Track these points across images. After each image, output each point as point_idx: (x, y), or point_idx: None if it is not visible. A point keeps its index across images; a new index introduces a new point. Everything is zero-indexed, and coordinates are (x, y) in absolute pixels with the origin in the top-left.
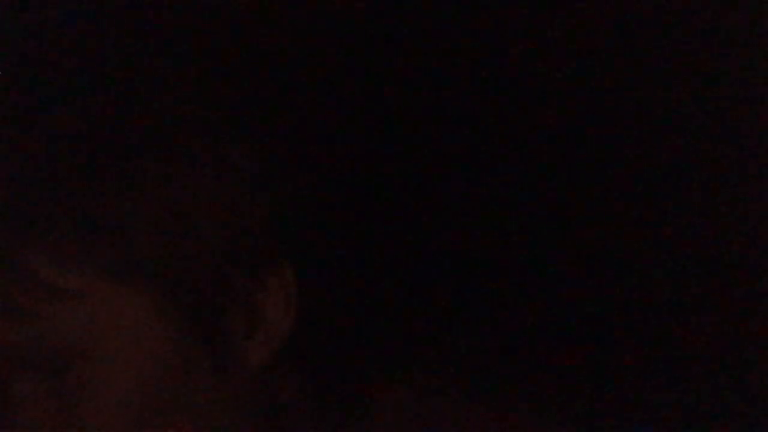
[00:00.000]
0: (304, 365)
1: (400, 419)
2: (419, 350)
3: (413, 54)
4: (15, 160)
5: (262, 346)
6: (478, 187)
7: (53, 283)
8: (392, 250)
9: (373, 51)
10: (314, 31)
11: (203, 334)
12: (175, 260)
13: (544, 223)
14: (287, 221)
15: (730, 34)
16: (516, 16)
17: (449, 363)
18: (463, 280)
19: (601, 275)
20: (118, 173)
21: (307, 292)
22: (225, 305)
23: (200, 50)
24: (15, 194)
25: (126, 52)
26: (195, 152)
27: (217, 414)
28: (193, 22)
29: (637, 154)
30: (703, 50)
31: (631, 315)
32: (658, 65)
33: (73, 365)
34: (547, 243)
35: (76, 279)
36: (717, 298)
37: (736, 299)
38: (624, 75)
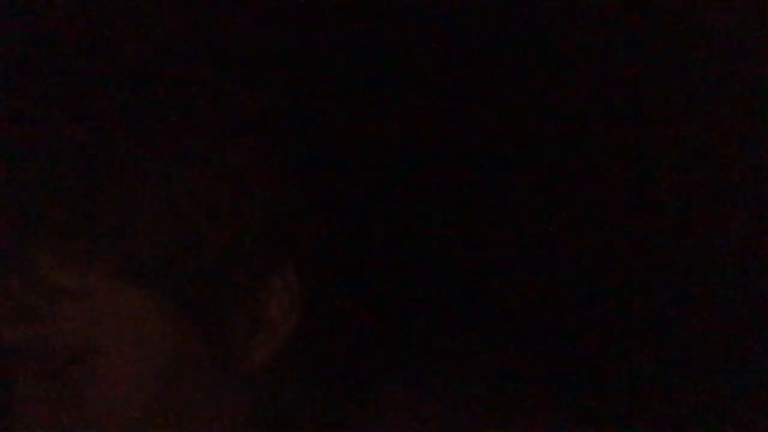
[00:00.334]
0: (307, 365)
1: (401, 419)
2: (421, 350)
3: (415, 56)
4: (20, 161)
5: (265, 346)
6: (480, 187)
7: (58, 283)
8: (394, 250)
9: (376, 53)
10: (317, 33)
11: (207, 333)
12: (178, 260)
13: (546, 223)
14: (290, 222)
15: (730, 34)
16: (517, 16)
17: (451, 363)
18: (465, 281)
19: (602, 275)
20: (123, 174)
21: (310, 292)
22: (228, 305)
23: (203, 51)
24: (21, 195)
25: (129, 54)
26: (198, 153)
27: (219, 413)
28: (194, 22)
29: (637, 155)
30: (703, 50)
31: (632, 315)
32: (659, 66)
33: (78, 364)
34: (548, 243)
35: (80, 279)
36: (717, 298)
37: (736, 299)
38: (624, 75)
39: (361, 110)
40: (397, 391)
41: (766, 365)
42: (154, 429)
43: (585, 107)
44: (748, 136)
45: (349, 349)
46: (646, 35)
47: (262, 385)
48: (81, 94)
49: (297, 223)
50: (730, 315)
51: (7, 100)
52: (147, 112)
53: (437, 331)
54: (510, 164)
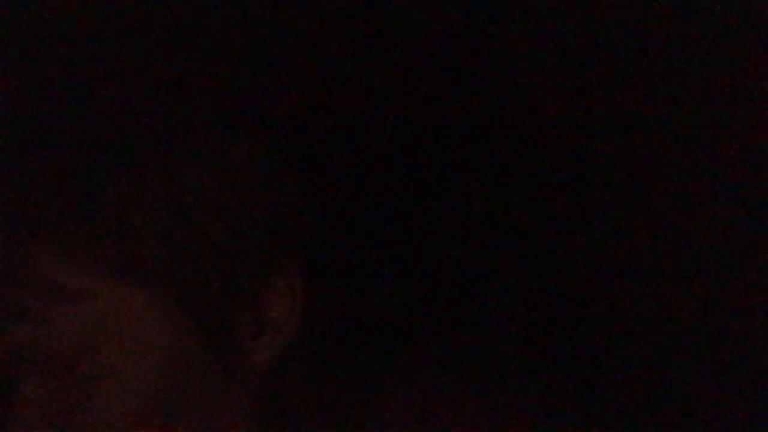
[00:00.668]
0: (310, 366)
1: (405, 419)
2: (424, 350)
3: (418, 56)
4: (23, 161)
5: (268, 347)
6: (482, 187)
7: (61, 284)
8: (397, 250)
9: (378, 53)
10: (319, 33)
11: (209, 334)
12: (181, 261)
13: (547, 223)
14: (293, 222)
15: (730, 34)
16: (517, 16)
17: (454, 363)
18: (467, 280)
19: (602, 274)
20: (125, 174)
21: (312, 292)
22: (231, 306)
23: (206, 51)
24: (23, 196)
25: (132, 54)
26: (201, 153)
27: (223, 414)
28: (197, 22)
29: (637, 155)
30: (703, 51)
31: (633, 315)
32: (659, 67)
33: (80, 365)
34: (549, 242)
35: (83, 279)
36: (718, 298)
37: (736, 299)
38: (624, 76)
39: (362, 110)
40: (399, 392)
41: (766, 365)
42: (155, 429)
43: (585, 107)
44: (749, 136)
45: (351, 350)
46: (646, 35)
47: (265, 385)
48: (82, 94)
49: (299, 224)
50: (730, 315)
51: (7, 100)
52: (147, 112)
53: (439, 331)
54: (511, 164)
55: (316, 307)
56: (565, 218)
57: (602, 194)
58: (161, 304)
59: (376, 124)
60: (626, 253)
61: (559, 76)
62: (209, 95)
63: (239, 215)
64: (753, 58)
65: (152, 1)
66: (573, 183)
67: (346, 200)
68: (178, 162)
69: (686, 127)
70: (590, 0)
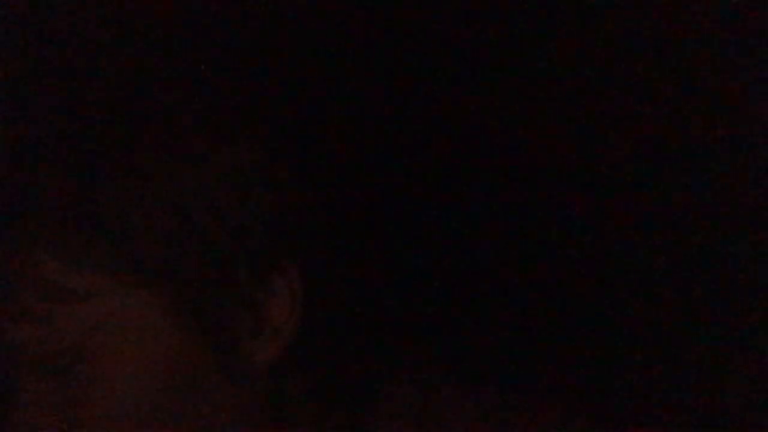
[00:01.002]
0: (309, 364)
1: (404, 418)
2: (424, 349)
3: (418, 55)
4: (22, 162)
5: (268, 346)
6: (483, 187)
7: (61, 284)
8: (396, 249)
9: (378, 52)
10: (318, 32)
11: (209, 333)
12: (181, 261)
13: (547, 222)
14: (292, 221)
15: (730, 35)
16: (518, 16)
17: (454, 363)
18: (468, 281)
19: (602, 274)
20: (125, 174)
21: (312, 291)
22: (231, 305)
23: (205, 50)
24: (23, 196)
25: (131, 54)
26: (200, 153)
27: (222, 413)
28: (196, 21)
29: (638, 155)
30: (703, 51)
31: (633, 315)
32: (659, 66)
33: (81, 365)
34: (549, 242)
35: (83, 279)
36: (718, 299)
37: (736, 300)
38: (624, 76)
39: (362, 110)
40: (400, 391)
41: (766, 365)
42: (156, 429)
43: (585, 107)
44: (749, 136)
45: (351, 350)
46: (645, 35)
47: (265, 385)
48: (82, 94)
49: (298, 223)
50: (730, 315)
51: (8, 100)
52: (147, 113)
53: (440, 330)
54: (512, 165)
55: (316, 307)
56: (564, 218)
57: (602, 194)
58: (161, 304)
59: (377, 125)
60: (626, 253)
61: (561, 76)
62: (209, 95)
63: (239, 215)
64: (753, 58)
65: (152, 1)
66: (573, 183)
67: (346, 200)
68: (177, 162)
69: (687, 127)
70: (591, 0)
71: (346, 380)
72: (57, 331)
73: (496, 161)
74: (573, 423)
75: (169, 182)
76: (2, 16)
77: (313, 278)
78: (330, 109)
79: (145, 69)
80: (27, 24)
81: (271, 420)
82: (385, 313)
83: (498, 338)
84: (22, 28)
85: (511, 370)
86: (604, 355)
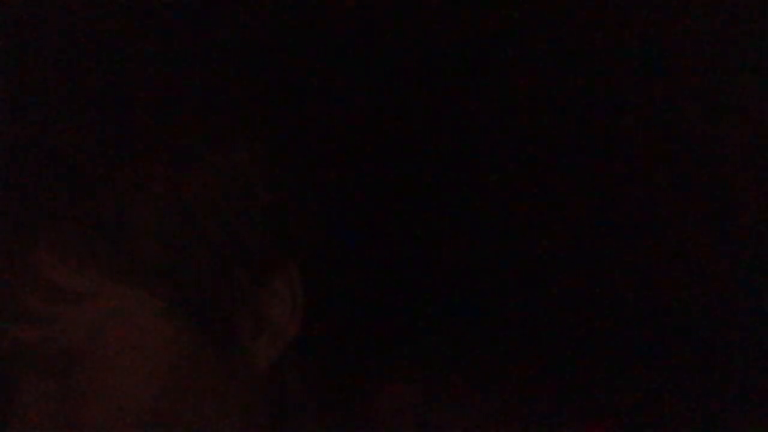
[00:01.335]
0: (310, 365)
1: (405, 419)
2: (424, 350)
3: (417, 55)
4: (23, 163)
5: (268, 347)
6: (483, 187)
7: (61, 285)
8: (396, 250)
9: (377, 52)
10: (318, 33)
11: (210, 335)
12: (181, 261)
13: (546, 222)
14: (292, 223)
15: (730, 35)
16: (518, 17)
17: (454, 363)
18: (468, 280)
19: (602, 274)
20: (125, 176)
21: (313, 293)
22: (231, 307)
23: (205, 52)
24: (24, 197)
25: (131, 55)
26: (200, 154)
27: (223, 414)
28: (197, 22)
29: (638, 155)
30: (703, 51)
31: (634, 315)
32: (659, 66)
33: (81, 366)
34: (548, 242)
35: (83, 281)
36: (718, 299)
37: (736, 300)
38: (624, 76)
39: (362, 110)
40: (401, 392)
41: (766, 365)
42: (156, 430)
43: (585, 108)
44: (749, 136)
45: (352, 350)
46: (646, 35)
47: (265, 386)
48: (82, 95)
49: (299, 224)
50: (731, 315)
51: (8, 100)
52: (147, 113)
53: (440, 330)
54: (512, 165)
55: (316, 307)
56: (565, 218)
57: (602, 194)
58: (161, 305)
59: (376, 125)
60: (627, 253)
61: (560, 76)
62: (209, 95)
63: (239, 215)
64: (753, 58)
65: (153, 2)
66: (573, 183)
67: (347, 200)
68: (177, 162)
69: (687, 127)
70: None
71: (346, 380)
72: (57, 332)
73: (496, 162)
74: (573, 423)
75: (170, 183)
76: (2, 16)
77: (313, 278)
78: (330, 109)
79: (146, 69)
80: (28, 24)
81: (272, 420)
82: (385, 313)
83: (498, 338)
84: (23, 27)
85: (510, 371)
86: (604, 355)
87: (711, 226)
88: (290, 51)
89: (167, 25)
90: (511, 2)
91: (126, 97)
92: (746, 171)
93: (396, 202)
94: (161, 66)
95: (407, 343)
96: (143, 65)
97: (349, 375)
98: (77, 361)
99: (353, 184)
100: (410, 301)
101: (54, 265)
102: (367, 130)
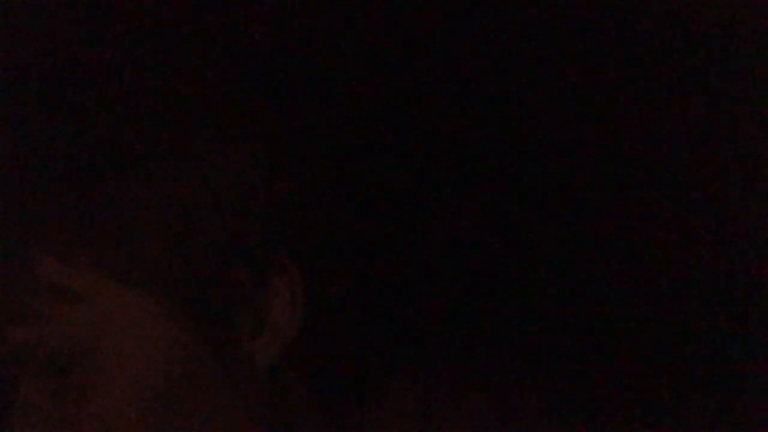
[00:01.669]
0: (311, 365)
1: (405, 420)
2: (425, 350)
3: (417, 54)
4: (22, 162)
5: (268, 347)
6: (484, 187)
7: (60, 285)
8: (397, 250)
9: (378, 53)
10: (318, 34)
11: (210, 335)
12: (181, 261)
13: (548, 222)
14: (293, 222)
15: (730, 35)
16: (519, 18)
17: (455, 363)
18: (469, 280)
19: (602, 274)
20: (125, 175)
21: (313, 292)
22: (231, 306)
23: (205, 51)
24: (22, 196)
25: (131, 55)
26: (200, 153)
27: (223, 414)
28: (198, 23)
29: (639, 156)
30: (703, 51)
31: (635, 315)
32: (660, 66)
33: (80, 366)
34: (549, 242)
35: (83, 281)
36: (718, 299)
37: (736, 300)
38: (624, 77)
39: (362, 110)
40: (401, 392)
41: (766, 365)
42: (156, 430)
43: (585, 108)
44: (749, 137)
45: (352, 350)
46: (646, 35)
47: (267, 386)
48: (82, 95)
49: (299, 224)
50: (730, 315)
51: (7, 100)
52: (147, 113)
53: (441, 331)
54: (512, 164)
55: (316, 307)
56: (566, 216)
57: (602, 195)
58: (161, 305)
59: (377, 124)
60: (627, 253)
61: (560, 76)
62: (209, 95)
63: (239, 215)
64: (753, 58)
65: (152, 3)
66: (572, 183)
67: (347, 200)
68: (177, 162)
69: (688, 127)
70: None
71: (346, 380)
72: (56, 332)
73: (496, 163)
74: (573, 423)
75: (169, 183)
76: (2, 16)
77: (313, 278)
78: (330, 110)
79: (146, 69)
80: (28, 23)
81: (271, 420)
82: (385, 313)
83: (498, 338)
84: (23, 27)
85: (510, 371)
86: (604, 355)
87: (710, 227)
88: (290, 51)
89: (167, 25)
90: (511, 2)
91: (126, 97)
92: (747, 171)
93: (396, 202)
94: (161, 66)
95: (407, 343)
96: (143, 65)
97: (349, 375)
98: (77, 361)
99: (353, 183)
100: (410, 301)
101: (54, 266)
102: (367, 130)
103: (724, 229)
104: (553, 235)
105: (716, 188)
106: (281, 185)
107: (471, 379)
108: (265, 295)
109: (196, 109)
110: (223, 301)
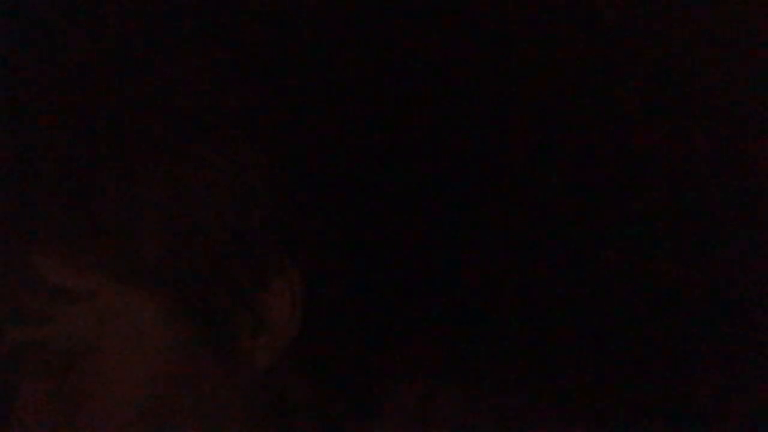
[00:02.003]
0: (310, 366)
1: (405, 419)
2: (424, 350)
3: (418, 56)
4: (23, 162)
5: (268, 347)
6: (484, 188)
7: (61, 285)
8: (398, 250)
9: (379, 54)
10: (319, 36)
11: (209, 335)
12: (181, 261)
13: (546, 223)
14: (293, 222)
15: (730, 35)
16: (519, 18)
17: (455, 364)
18: (469, 281)
19: (602, 275)
20: (125, 175)
21: (312, 293)
22: (231, 306)
23: (207, 52)
24: (24, 197)
25: (133, 54)
26: (201, 154)
27: (223, 414)
28: (198, 24)
29: (638, 156)
30: (703, 51)
31: (634, 315)
32: (660, 66)
33: (80, 366)
34: (548, 242)
35: (83, 281)
36: (718, 299)
37: (736, 300)
38: (624, 77)
39: (362, 111)
40: (401, 393)
41: (766, 365)
42: (156, 430)
43: (585, 108)
44: (749, 137)
45: (351, 350)
46: (646, 35)
47: (265, 386)
48: (82, 95)
49: (299, 224)
50: (730, 315)
51: (7, 100)
52: (147, 113)
53: (441, 331)
54: (513, 165)
55: (316, 307)
56: (565, 218)
57: (602, 195)
58: (161, 305)
59: (377, 125)
60: (627, 254)
61: (560, 75)
62: (209, 96)
63: (239, 216)
64: (753, 59)
65: (154, 3)
66: (572, 183)
67: (346, 200)
68: (178, 163)
69: (688, 127)
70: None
71: (346, 381)
72: (57, 332)
73: (496, 164)
74: (572, 423)
75: (170, 183)
76: (3, 15)
77: (313, 278)
78: (329, 111)
79: (146, 69)
80: (28, 23)
81: (271, 420)
82: (385, 313)
83: (498, 339)
84: (23, 27)
85: (510, 371)
86: (604, 355)
87: (710, 226)
88: (291, 51)
89: (168, 26)
90: (511, 3)
91: (126, 97)
92: (747, 171)
93: (396, 203)
94: (162, 66)
95: (407, 343)
96: (144, 65)
97: (349, 375)
98: (77, 361)
99: (353, 184)
100: (410, 301)
101: (54, 266)
102: (367, 130)
103: (724, 229)
104: (553, 235)
105: (716, 188)
106: (281, 186)
107: (470, 378)
108: (265, 296)
109: (197, 109)
110: (223, 301)
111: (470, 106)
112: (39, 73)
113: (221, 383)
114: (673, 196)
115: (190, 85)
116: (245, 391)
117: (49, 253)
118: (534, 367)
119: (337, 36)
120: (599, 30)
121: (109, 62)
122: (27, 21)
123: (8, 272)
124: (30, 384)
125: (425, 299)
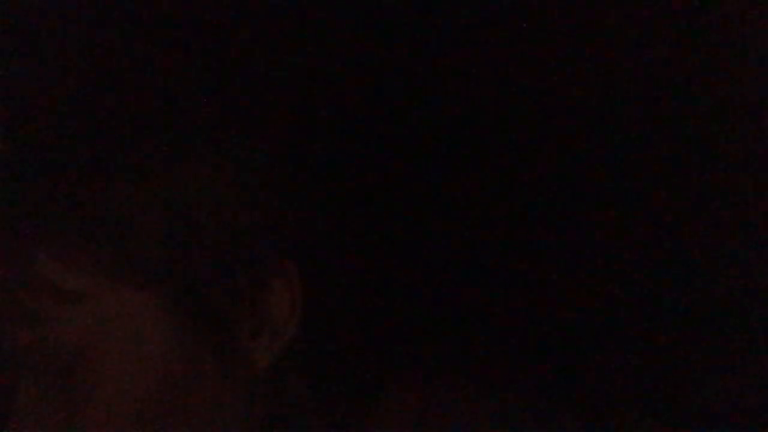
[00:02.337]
0: (310, 366)
1: (405, 419)
2: (425, 351)
3: (418, 55)
4: (21, 162)
5: (267, 347)
6: (484, 189)
7: (60, 285)
8: (397, 250)
9: (378, 54)
10: (319, 33)
11: (209, 335)
12: (180, 262)
13: (545, 223)
14: (293, 223)
15: (729, 35)
16: (519, 18)
17: (455, 364)
18: (469, 282)
19: (602, 275)
20: (124, 175)
21: (312, 293)
22: (230, 306)
23: (206, 50)
24: (22, 197)
25: (132, 53)
26: (200, 154)
27: (222, 415)
28: (199, 21)
29: (638, 156)
30: (703, 51)
31: (634, 316)
32: (660, 66)
33: (80, 367)
34: (548, 242)
35: (82, 281)
36: (718, 299)
37: (736, 300)
38: (625, 77)
39: (362, 111)
40: (400, 393)
41: (766, 365)
42: (155, 430)
43: (585, 108)
44: (749, 136)
45: (351, 350)
46: (646, 35)
47: (266, 386)
48: (81, 95)
49: (299, 224)
50: (731, 315)
51: (8, 99)
52: (147, 113)
53: (441, 332)
54: (513, 166)
55: (316, 307)
56: (565, 218)
57: (602, 195)
58: (161, 305)
59: (377, 125)
60: (627, 254)
61: (559, 76)
62: (209, 96)
63: (239, 216)
64: (753, 59)
65: (152, 2)
66: (572, 183)
67: (346, 200)
68: (177, 163)
69: (687, 128)
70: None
71: (346, 380)
72: (57, 332)
73: (496, 164)
74: (572, 423)
75: (169, 183)
76: (3, 15)
77: (312, 278)
78: (329, 110)
79: (146, 69)
80: (28, 23)
81: (271, 420)
82: (385, 313)
83: (498, 338)
84: (23, 27)
85: (511, 371)
86: (604, 355)
87: (710, 227)
88: (290, 52)
89: (167, 26)
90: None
91: (125, 98)
92: (747, 171)
93: (396, 203)
94: (161, 67)
95: (407, 343)
96: (143, 66)
97: (349, 375)
98: (77, 361)
99: (353, 184)
100: (410, 302)
101: (54, 266)
102: (367, 131)
103: (724, 229)
104: (554, 235)
105: (716, 188)
106: (281, 186)
107: (470, 378)
108: (265, 296)
109: (197, 109)
110: (222, 301)
111: (470, 106)
112: (39, 73)
113: (221, 383)
114: (673, 196)
115: (189, 85)
116: (245, 391)
117: (49, 254)
118: (534, 367)
119: (337, 36)
120: (599, 30)
121: (108, 62)
122: (27, 21)
123: (9, 273)
124: (30, 384)
125: (425, 299)
